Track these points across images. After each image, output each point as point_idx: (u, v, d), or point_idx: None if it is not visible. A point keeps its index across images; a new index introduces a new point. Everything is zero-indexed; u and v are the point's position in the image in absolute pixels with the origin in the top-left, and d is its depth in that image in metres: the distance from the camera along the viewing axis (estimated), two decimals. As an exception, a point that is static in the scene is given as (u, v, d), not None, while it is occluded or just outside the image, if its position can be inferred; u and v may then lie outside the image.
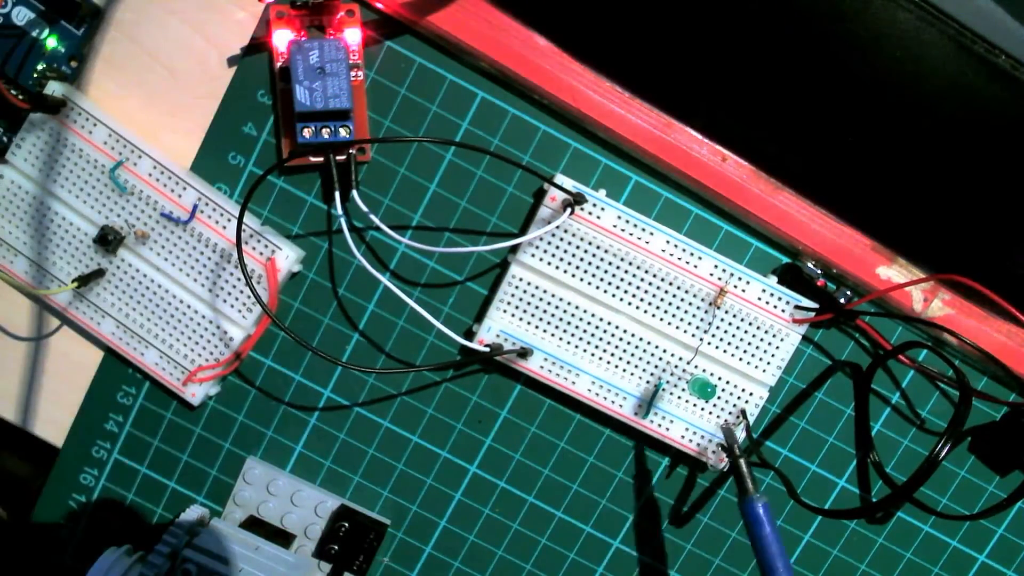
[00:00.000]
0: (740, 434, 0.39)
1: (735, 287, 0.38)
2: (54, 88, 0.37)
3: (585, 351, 0.39)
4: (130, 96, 0.39)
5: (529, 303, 0.38)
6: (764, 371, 0.39)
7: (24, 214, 0.39)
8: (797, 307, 0.38)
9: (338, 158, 0.37)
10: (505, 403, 0.41)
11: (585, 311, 0.38)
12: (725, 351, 0.38)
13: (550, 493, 0.42)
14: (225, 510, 0.42)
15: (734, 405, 0.39)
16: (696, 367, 0.39)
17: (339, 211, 0.37)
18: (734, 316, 0.38)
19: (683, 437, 0.39)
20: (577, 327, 0.38)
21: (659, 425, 0.39)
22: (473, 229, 0.40)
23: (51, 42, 0.38)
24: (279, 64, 0.37)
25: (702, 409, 0.39)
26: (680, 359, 0.38)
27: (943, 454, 0.35)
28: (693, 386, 0.38)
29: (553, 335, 0.39)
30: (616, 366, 0.39)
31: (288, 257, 0.38)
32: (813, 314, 0.38)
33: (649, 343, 0.38)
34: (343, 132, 0.37)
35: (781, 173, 0.38)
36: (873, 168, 0.39)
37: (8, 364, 0.42)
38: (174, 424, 0.42)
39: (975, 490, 0.41)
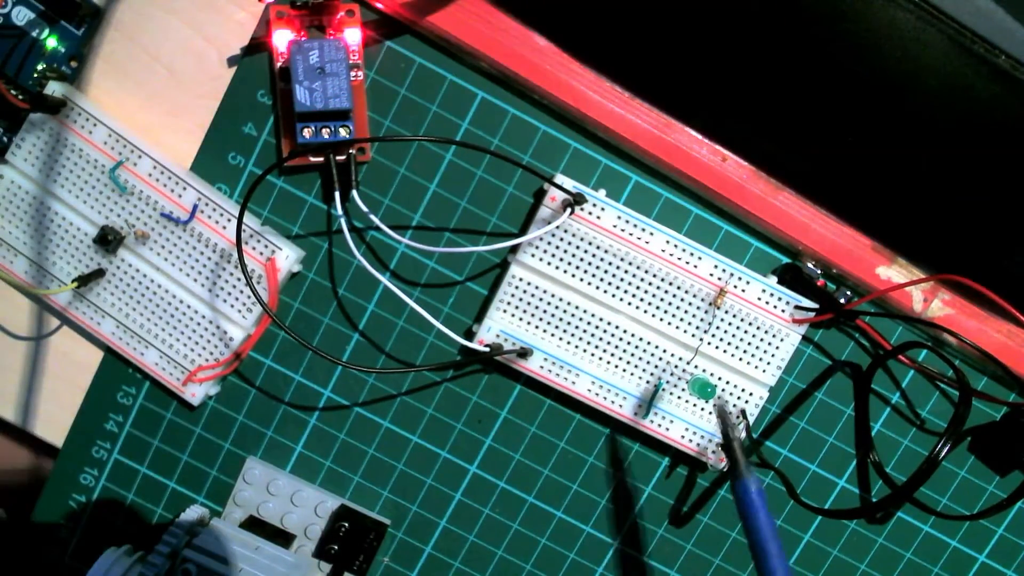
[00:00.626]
0: (740, 433, 0.39)
1: (735, 287, 0.38)
2: (54, 88, 0.37)
3: (585, 351, 0.39)
4: (130, 96, 0.39)
5: (529, 303, 0.38)
6: (764, 371, 0.39)
7: (24, 214, 0.39)
8: (797, 307, 0.38)
9: (338, 158, 0.37)
10: (505, 403, 0.41)
11: (585, 311, 0.38)
12: (725, 351, 0.38)
13: (550, 493, 0.42)
14: (225, 510, 0.42)
15: (734, 405, 0.39)
16: (696, 367, 0.39)
17: (339, 211, 0.37)
18: (734, 316, 0.38)
19: (683, 437, 0.39)
20: (577, 327, 0.38)
21: (659, 425, 0.39)
22: (473, 229, 0.40)
23: (51, 42, 0.38)
24: (279, 64, 0.37)
25: (702, 409, 0.39)
26: (680, 359, 0.39)
27: (943, 454, 0.35)
28: (693, 386, 0.38)
29: (553, 335, 0.39)
30: (616, 366, 0.39)
31: (288, 257, 0.38)
32: (813, 314, 0.38)
33: (649, 343, 0.38)
34: (343, 132, 0.37)
35: (781, 173, 0.38)
36: (873, 168, 0.39)
37: (8, 364, 0.42)
38: (174, 424, 0.42)
39: (975, 490, 0.41)
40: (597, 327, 0.38)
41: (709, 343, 0.38)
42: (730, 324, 0.38)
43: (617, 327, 0.38)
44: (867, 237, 0.38)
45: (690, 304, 0.38)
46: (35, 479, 0.44)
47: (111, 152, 0.38)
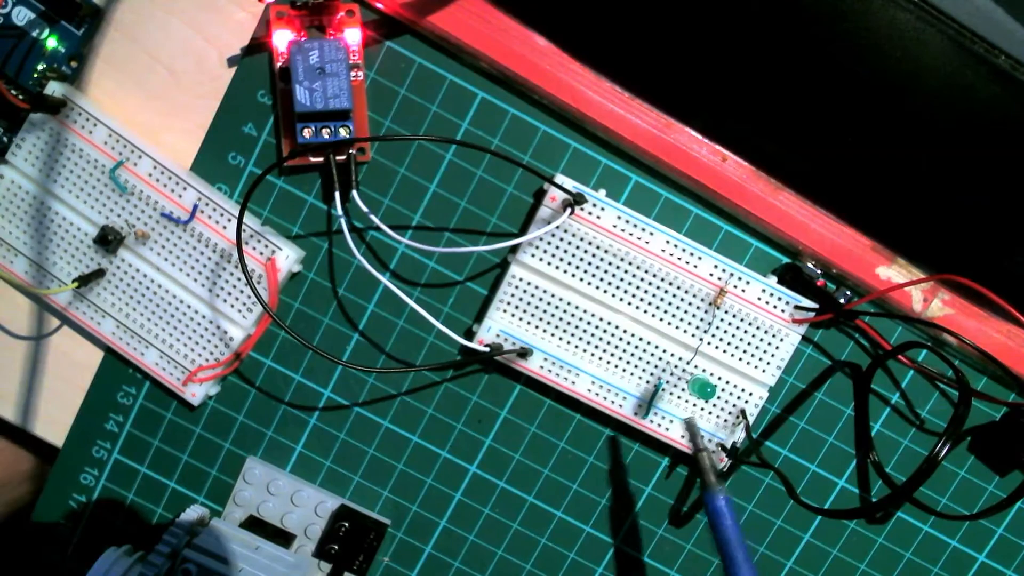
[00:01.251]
0: (739, 433, 0.39)
1: (735, 287, 0.38)
2: (54, 88, 0.37)
3: (585, 351, 0.39)
4: (130, 96, 0.39)
5: (529, 303, 0.38)
6: (764, 371, 0.39)
7: (24, 214, 0.39)
8: (797, 307, 0.38)
9: (338, 158, 0.37)
10: (505, 403, 0.41)
11: (585, 311, 0.38)
12: (725, 351, 0.38)
13: (550, 493, 0.42)
14: (225, 510, 0.42)
15: (734, 405, 0.39)
16: (696, 367, 0.39)
17: (339, 211, 0.37)
18: (734, 316, 0.38)
19: (683, 437, 0.39)
20: (577, 327, 0.38)
21: (659, 425, 0.39)
22: (473, 229, 0.40)
23: (51, 42, 0.38)
24: (279, 64, 0.37)
25: (702, 409, 0.39)
26: (680, 359, 0.39)
27: (942, 454, 0.35)
28: (693, 386, 0.38)
29: (553, 335, 0.39)
30: (616, 366, 0.39)
31: (288, 257, 0.38)
32: (813, 314, 0.38)
33: (649, 343, 0.38)
34: (343, 132, 0.37)
35: (781, 173, 0.38)
36: (873, 168, 0.39)
37: (8, 364, 0.42)
38: (174, 424, 0.42)
39: (975, 490, 0.41)
40: (597, 327, 0.38)
41: (709, 343, 0.38)
42: (730, 324, 0.38)
43: (617, 327, 0.38)
44: (867, 237, 0.38)
45: (690, 304, 0.38)
46: (35, 479, 0.44)
47: (111, 152, 0.38)
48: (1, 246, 0.39)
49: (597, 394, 0.39)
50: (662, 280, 0.38)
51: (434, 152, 0.39)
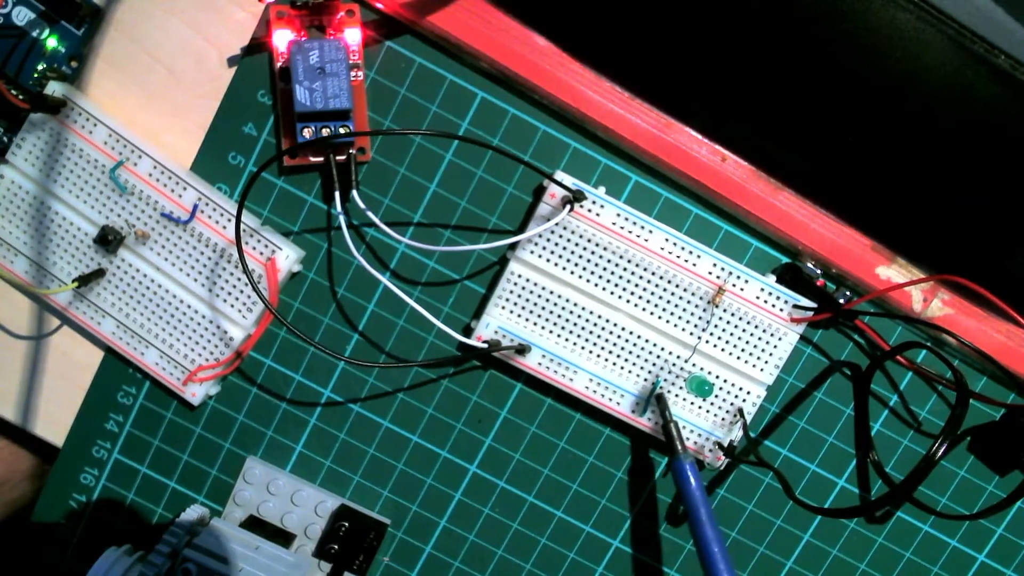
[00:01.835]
0: (737, 432, 0.39)
1: (734, 286, 0.38)
2: (54, 88, 0.37)
3: (583, 348, 0.39)
4: (130, 96, 0.39)
5: (528, 300, 0.38)
6: (762, 370, 0.39)
7: (24, 214, 0.39)
8: (796, 306, 0.38)
9: (338, 158, 0.37)
10: (505, 403, 0.41)
11: (583, 308, 0.38)
12: (723, 350, 0.38)
13: (550, 493, 0.42)
14: (225, 510, 0.42)
15: (731, 404, 0.39)
16: (694, 365, 0.39)
17: (339, 211, 0.37)
18: (732, 315, 0.38)
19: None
20: (575, 324, 0.38)
21: (657, 423, 0.39)
22: (473, 228, 0.40)
23: (51, 42, 0.38)
24: (279, 64, 0.37)
25: (700, 407, 0.39)
26: (678, 357, 0.39)
27: (940, 454, 0.35)
28: (691, 384, 0.38)
29: (551, 332, 0.39)
30: (614, 364, 0.39)
31: (288, 257, 0.38)
32: (811, 313, 0.38)
33: (647, 341, 0.38)
34: (343, 132, 0.37)
35: (781, 173, 0.38)
36: (873, 168, 0.39)
37: (8, 364, 0.42)
38: (174, 424, 0.42)
39: (975, 490, 0.41)
40: (595, 324, 0.38)
41: (707, 341, 0.38)
42: (728, 323, 0.38)
43: (615, 325, 0.38)
44: (867, 237, 0.38)
45: (688, 302, 0.38)
46: (35, 479, 0.44)
47: (111, 152, 0.38)
48: (1, 246, 0.39)
49: (595, 391, 0.39)
50: (661, 278, 0.38)
51: (434, 152, 0.39)
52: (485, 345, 0.38)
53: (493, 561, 0.43)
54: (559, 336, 0.39)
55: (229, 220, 0.38)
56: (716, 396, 0.39)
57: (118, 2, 0.38)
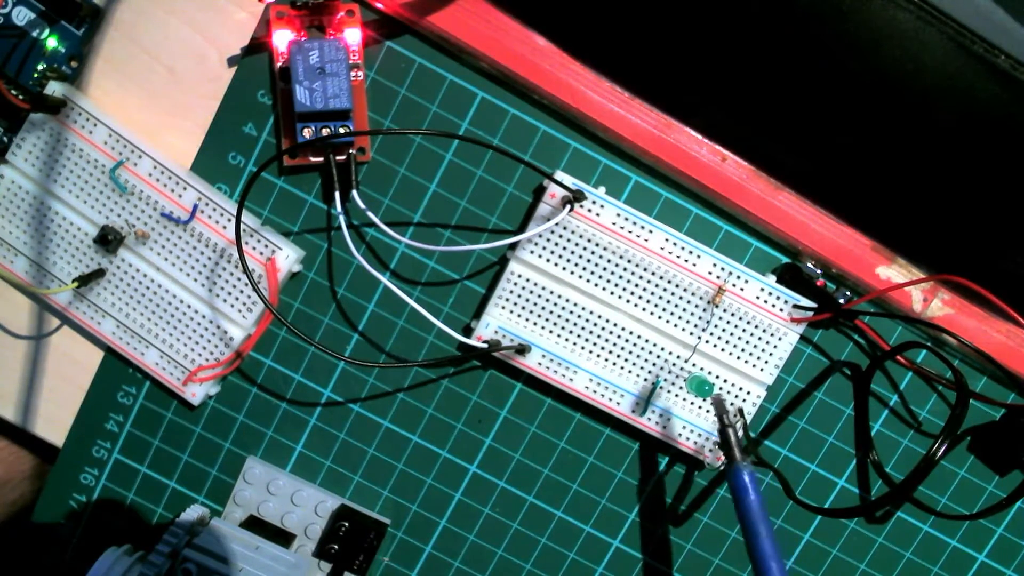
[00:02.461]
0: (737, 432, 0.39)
1: (734, 285, 0.38)
2: (54, 88, 0.37)
3: (583, 348, 0.39)
4: (130, 96, 0.39)
5: (528, 300, 0.38)
6: (762, 370, 0.39)
7: (24, 214, 0.39)
8: (796, 306, 0.38)
9: (338, 158, 0.37)
10: (505, 403, 0.41)
11: (584, 308, 0.38)
12: (723, 349, 0.38)
13: (550, 493, 0.42)
14: (225, 510, 0.42)
15: (731, 404, 0.39)
16: (694, 365, 0.39)
17: (339, 211, 0.37)
18: (732, 315, 0.38)
19: (680, 435, 0.39)
20: (575, 324, 0.38)
21: (656, 423, 0.39)
22: (473, 229, 0.40)
23: (51, 42, 0.38)
24: (279, 64, 0.37)
25: (699, 407, 0.39)
26: (678, 357, 0.39)
27: (939, 454, 0.35)
28: (691, 384, 0.38)
29: (551, 332, 0.39)
30: (614, 364, 0.39)
31: (288, 257, 0.38)
32: (811, 313, 0.38)
33: (647, 341, 0.38)
34: (343, 132, 0.37)
35: (781, 173, 0.38)
36: (873, 168, 0.39)
37: (8, 364, 0.42)
38: (174, 424, 0.42)
39: (975, 490, 0.41)
40: (595, 324, 0.38)
41: (707, 341, 0.38)
42: (728, 322, 0.38)
43: (615, 324, 0.38)
44: (867, 237, 0.38)
45: (688, 302, 0.38)
46: (35, 479, 0.44)
47: (111, 152, 0.38)
48: (1, 246, 0.39)
49: (595, 391, 0.39)
50: (661, 278, 0.38)
51: (434, 152, 0.39)
52: (485, 345, 0.38)
53: (493, 561, 0.43)
54: (559, 336, 0.39)
55: (229, 220, 0.38)
56: (718, 392, 0.39)
57: (118, 2, 0.38)
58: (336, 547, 0.41)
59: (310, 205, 0.40)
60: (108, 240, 0.38)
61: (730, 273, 0.38)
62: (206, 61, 0.39)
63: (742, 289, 0.38)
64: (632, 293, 0.38)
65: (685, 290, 0.38)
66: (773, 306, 0.38)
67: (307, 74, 0.36)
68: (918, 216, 0.40)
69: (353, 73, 0.38)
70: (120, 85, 0.39)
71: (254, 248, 0.38)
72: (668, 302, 0.38)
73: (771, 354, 0.38)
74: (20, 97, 0.38)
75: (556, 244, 0.38)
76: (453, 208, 0.39)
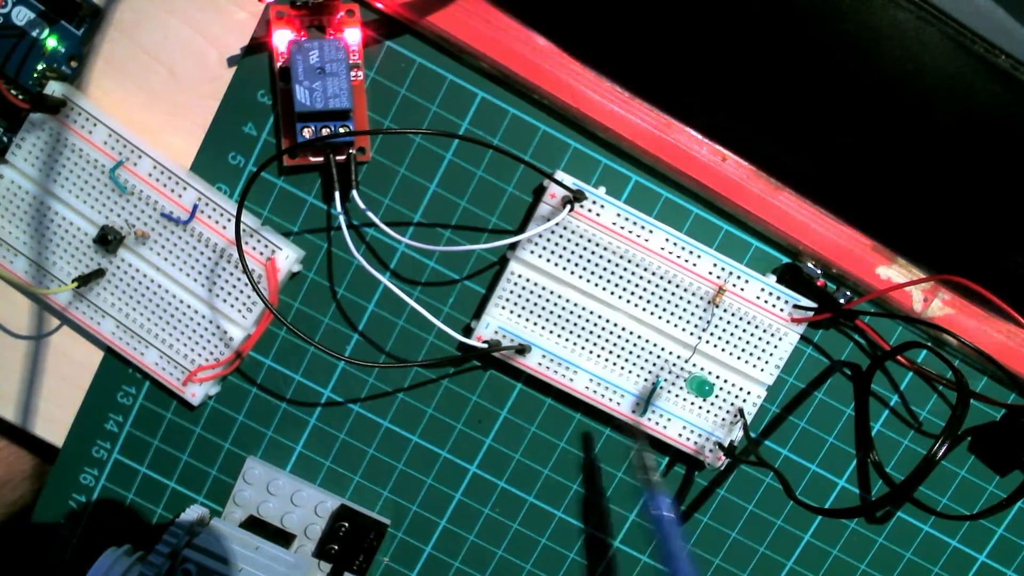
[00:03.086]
0: (737, 432, 0.39)
1: (734, 286, 0.38)
2: (54, 88, 0.37)
3: (583, 348, 0.39)
4: (130, 96, 0.39)
5: (528, 300, 0.38)
6: (762, 370, 0.39)
7: (24, 214, 0.39)
8: (796, 306, 0.38)
9: (338, 158, 0.37)
10: (505, 403, 0.41)
11: (584, 308, 0.38)
12: (723, 350, 0.38)
13: (550, 493, 0.42)
14: (225, 510, 0.42)
15: (732, 404, 0.39)
16: (694, 365, 0.39)
17: (339, 211, 0.37)
18: (733, 315, 0.38)
19: (680, 435, 0.39)
20: (576, 324, 0.38)
21: (657, 423, 0.39)
22: (473, 228, 0.40)
23: (51, 42, 0.38)
24: (279, 64, 0.37)
25: (700, 407, 0.39)
26: (678, 357, 0.39)
27: (940, 454, 0.35)
28: (691, 384, 0.38)
29: (551, 332, 0.39)
30: (614, 364, 0.39)
31: (288, 257, 0.38)
32: (812, 313, 0.38)
33: (647, 341, 0.38)
34: (343, 132, 0.37)
35: (781, 173, 0.38)
36: (873, 168, 0.39)
37: (8, 364, 0.42)
38: (174, 424, 0.42)
39: (975, 490, 0.41)
40: (596, 324, 0.38)
41: (707, 341, 0.38)
42: (728, 323, 0.38)
43: (616, 325, 0.38)
44: (867, 237, 0.38)
45: (689, 302, 0.38)
46: (35, 479, 0.44)
47: (111, 152, 0.38)
48: (1, 246, 0.39)
49: (595, 392, 0.39)
50: (661, 278, 0.38)
51: (434, 152, 0.39)
52: (485, 345, 0.38)
53: (493, 561, 0.43)
54: (559, 336, 0.39)
55: (229, 220, 0.38)
56: (716, 396, 0.39)
57: (118, 2, 0.38)
58: (336, 547, 0.41)
59: (310, 205, 0.40)
60: (108, 240, 0.38)
61: (730, 273, 0.38)
62: (206, 61, 0.39)
63: (742, 289, 0.38)
64: (632, 293, 0.38)
65: (685, 290, 0.38)
66: (773, 306, 0.38)
67: (307, 74, 0.36)
68: (918, 216, 0.40)
69: (353, 73, 0.38)
70: (120, 85, 0.39)
71: (254, 248, 0.38)
72: (668, 302, 0.38)
73: (771, 354, 0.38)
74: (20, 97, 0.38)
75: (556, 244, 0.38)
76: (453, 208, 0.39)
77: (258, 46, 0.38)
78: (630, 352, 0.39)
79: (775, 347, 0.38)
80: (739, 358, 0.38)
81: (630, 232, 0.37)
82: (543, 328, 0.39)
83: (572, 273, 0.38)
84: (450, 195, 0.39)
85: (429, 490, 0.42)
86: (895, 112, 0.38)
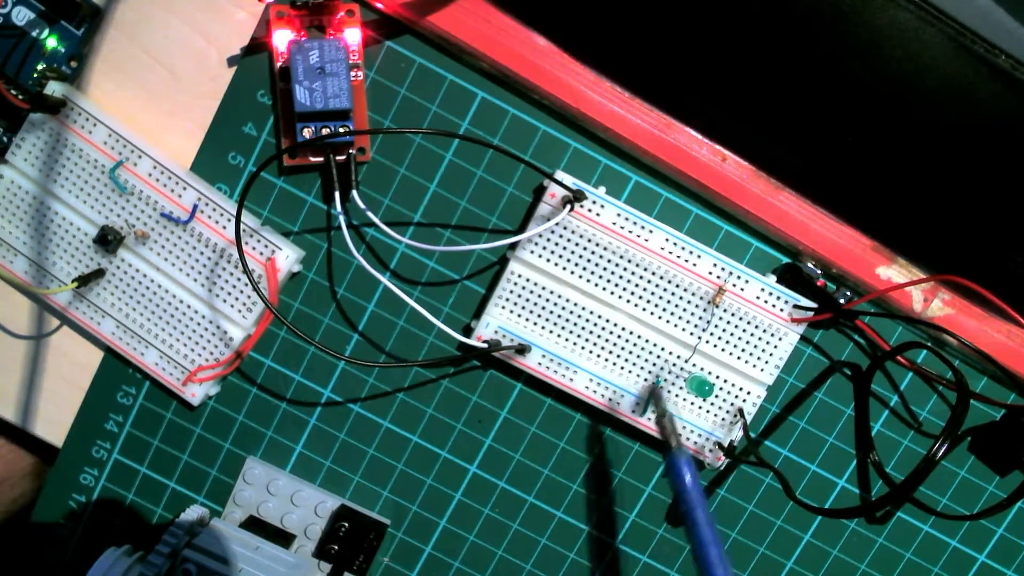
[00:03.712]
0: (737, 432, 0.39)
1: (734, 286, 0.38)
2: (54, 88, 0.37)
3: (583, 348, 0.39)
4: (130, 96, 0.39)
5: (528, 300, 0.38)
6: (762, 370, 0.39)
7: (24, 214, 0.39)
8: (796, 306, 0.38)
9: (338, 158, 0.37)
10: (505, 403, 0.41)
11: (584, 308, 0.38)
12: (723, 350, 0.38)
13: (550, 493, 0.42)
14: (225, 510, 0.42)
15: (731, 404, 0.39)
16: (694, 365, 0.39)
17: (339, 211, 0.37)
18: (733, 315, 0.38)
19: (680, 435, 0.39)
20: (575, 324, 0.38)
21: (650, 418, 0.39)
22: (473, 228, 0.40)
23: (51, 42, 0.38)
24: (279, 64, 0.37)
25: (700, 407, 0.39)
26: (678, 357, 0.39)
27: (940, 455, 0.35)
28: (691, 384, 0.38)
29: (551, 332, 0.39)
30: (614, 363, 0.39)
31: (288, 257, 0.38)
32: (811, 313, 0.38)
33: (647, 341, 0.38)
34: (343, 132, 0.37)
35: (781, 173, 0.38)
36: (873, 168, 0.39)
37: (8, 364, 0.42)
38: (174, 424, 0.42)
39: (975, 490, 0.41)
40: (595, 324, 0.38)
41: (707, 341, 0.38)
42: (728, 323, 0.38)
43: (615, 324, 0.38)
44: (867, 237, 0.38)
45: (689, 302, 0.38)
46: (35, 479, 0.44)
47: (111, 152, 0.38)
48: (1, 246, 0.39)
49: (595, 391, 0.39)
50: (661, 278, 0.38)
51: (434, 152, 0.39)
52: (485, 345, 0.38)
53: (493, 561, 0.43)
54: (559, 336, 0.39)
55: (229, 220, 0.38)
56: (716, 396, 0.39)
57: (118, 2, 0.38)
58: (336, 547, 0.41)
59: (310, 205, 0.40)
60: (108, 240, 0.38)
61: (730, 273, 0.38)
62: (206, 61, 0.39)
63: (742, 289, 0.38)
64: (632, 293, 0.38)
65: (685, 290, 0.38)
66: (773, 306, 0.38)
67: (307, 74, 0.36)
68: (918, 216, 0.40)
69: (353, 73, 0.38)
70: (120, 85, 0.39)
71: (254, 248, 0.38)
72: (668, 302, 0.38)
73: (771, 354, 0.38)
74: (20, 97, 0.38)
75: (556, 244, 0.38)
76: (453, 208, 0.39)
77: (258, 46, 0.38)
78: (630, 352, 0.39)
79: (775, 347, 0.38)
80: (739, 358, 0.38)
81: (630, 232, 0.37)
82: (543, 328, 0.39)
83: (572, 273, 0.38)
84: (450, 195, 0.39)
85: (429, 490, 0.42)
86: (895, 112, 0.38)
